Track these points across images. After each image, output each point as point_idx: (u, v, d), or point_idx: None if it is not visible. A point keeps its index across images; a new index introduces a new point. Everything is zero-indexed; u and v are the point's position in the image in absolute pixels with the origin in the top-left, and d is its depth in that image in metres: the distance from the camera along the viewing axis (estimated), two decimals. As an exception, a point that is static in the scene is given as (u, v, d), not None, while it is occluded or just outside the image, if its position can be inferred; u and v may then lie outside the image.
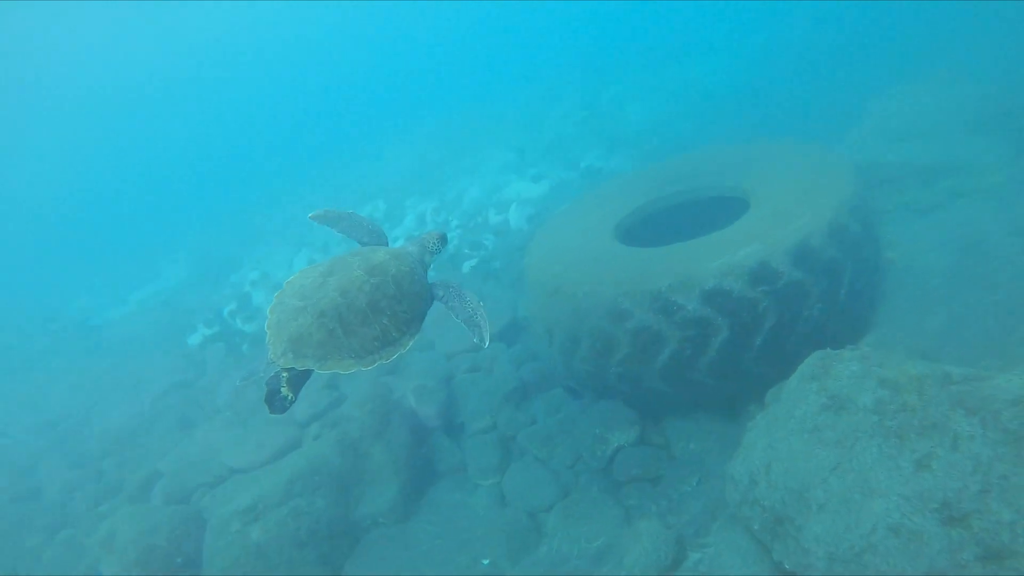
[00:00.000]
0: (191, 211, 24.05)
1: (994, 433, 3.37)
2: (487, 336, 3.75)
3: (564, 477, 5.84)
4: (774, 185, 5.95)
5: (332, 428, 6.77)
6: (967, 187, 7.55)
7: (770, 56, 19.40)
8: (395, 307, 3.62)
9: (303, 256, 13.47)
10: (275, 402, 3.42)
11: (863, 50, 14.65)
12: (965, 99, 8.04)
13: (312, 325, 3.40)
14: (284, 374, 3.41)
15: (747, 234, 5.22)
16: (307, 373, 3.50)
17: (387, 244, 4.24)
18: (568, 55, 25.82)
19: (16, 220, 30.53)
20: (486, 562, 5.36)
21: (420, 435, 6.84)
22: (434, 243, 4.24)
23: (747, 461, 4.18)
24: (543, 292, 5.93)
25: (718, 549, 4.35)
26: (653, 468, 5.50)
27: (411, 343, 3.69)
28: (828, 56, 16.19)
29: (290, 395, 3.43)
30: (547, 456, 6.10)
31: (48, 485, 8.54)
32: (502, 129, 19.04)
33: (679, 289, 4.93)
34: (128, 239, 23.27)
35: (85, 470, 8.55)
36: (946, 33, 12.61)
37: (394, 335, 3.60)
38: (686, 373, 5.23)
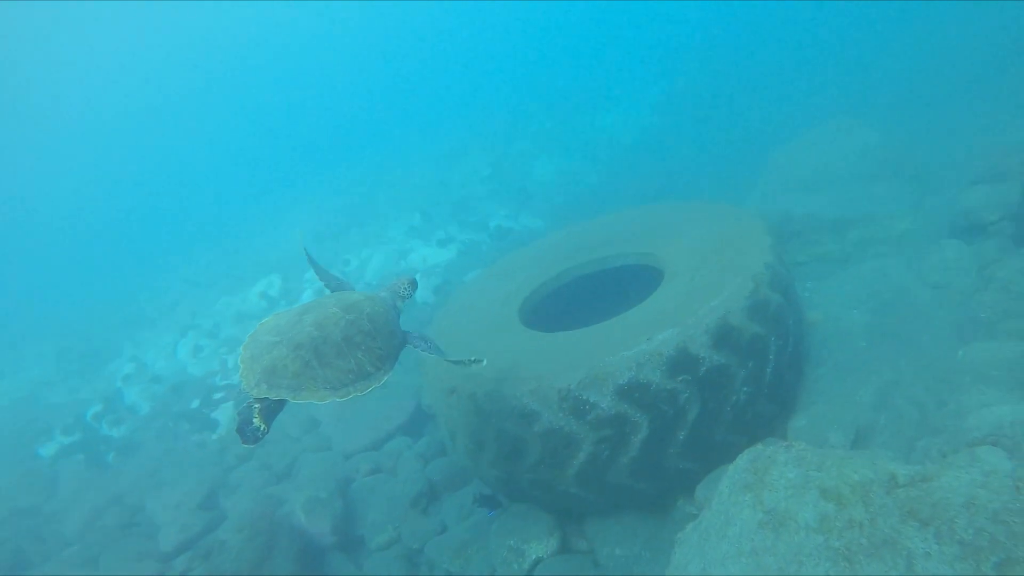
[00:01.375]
0: (64, 287, 22.05)
1: (950, 547, 2.99)
2: (476, 363, 4.09)
3: (480, 596, 5.17)
4: (687, 253, 5.63)
5: (204, 561, 5.87)
6: (877, 236, 7.54)
7: (674, 104, 19.96)
8: (370, 343, 3.72)
9: (188, 341, 12.35)
10: (247, 432, 3.36)
11: (763, 98, 15.16)
12: (865, 147, 8.12)
13: (287, 357, 3.45)
14: (257, 405, 3.38)
15: (662, 314, 4.81)
16: (281, 404, 3.49)
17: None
18: (473, 108, 25.88)
19: None
20: None
21: (312, 557, 6.02)
22: (405, 288, 4.42)
23: (681, 590, 3.65)
24: (441, 390, 5.33)
25: None
26: (578, 582, 4.91)
27: (385, 378, 3.76)
28: (730, 104, 16.72)
29: (263, 426, 3.38)
30: (460, 570, 5.42)
31: None
32: (407, 189, 18.58)
33: (590, 385, 4.44)
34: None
35: None
36: (841, 82, 13.19)
37: (368, 369, 3.66)
38: (605, 476, 4.71)
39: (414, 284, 4.51)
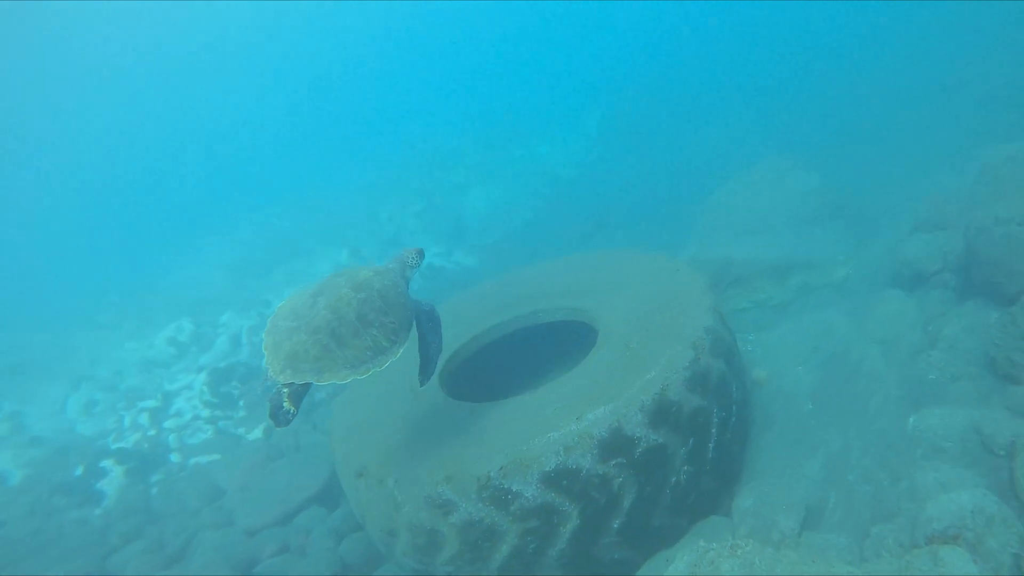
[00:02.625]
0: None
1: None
2: (424, 380, 4.33)
3: None
4: (623, 311, 5.25)
5: None
6: (818, 282, 7.39)
7: (612, 133, 19.94)
8: (383, 319, 3.86)
9: (81, 395, 11.16)
10: (279, 416, 3.60)
11: (703, 130, 15.19)
12: (804, 188, 7.99)
13: (307, 342, 3.61)
14: (285, 390, 3.59)
15: (593, 386, 4.39)
16: (307, 387, 3.68)
17: None
18: (406, 137, 25.41)
19: None
20: None
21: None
22: (412, 258, 4.55)
23: None
24: (349, 471, 4.78)
25: None
26: None
27: (401, 350, 3.91)
28: (669, 135, 16.74)
29: (292, 409, 3.62)
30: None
31: None
32: (336, 222, 17.90)
33: (513, 472, 3.96)
34: None
35: None
36: (779, 120, 13.29)
37: (384, 344, 3.82)
38: (531, 570, 4.21)
39: (421, 254, 4.65)
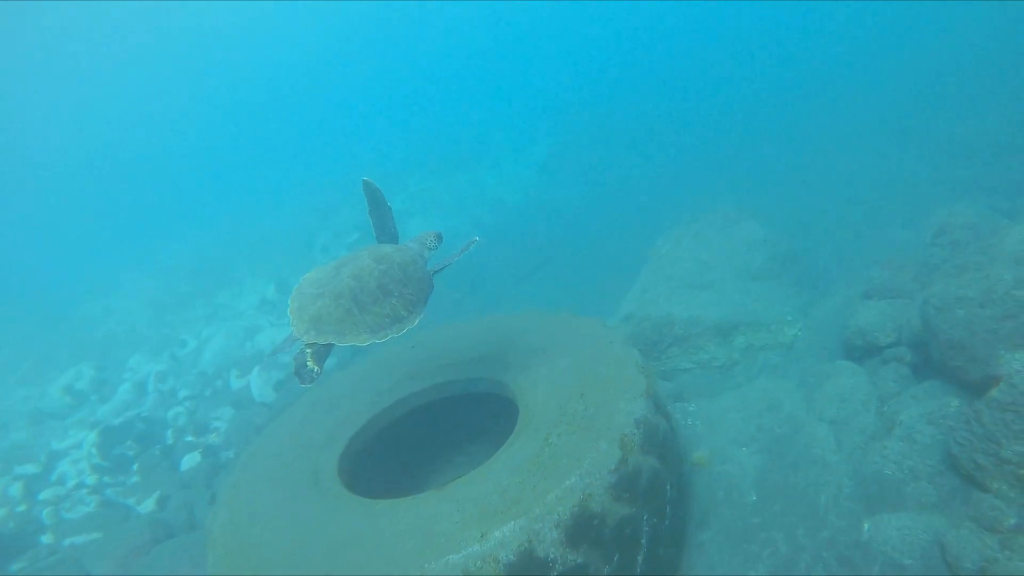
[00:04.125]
0: None
1: None
2: (472, 243, 4.53)
3: None
4: (546, 392, 4.67)
5: None
6: (765, 342, 6.97)
7: (560, 162, 19.61)
8: (402, 289, 4.10)
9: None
10: (303, 374, 3.80)
11: (651, 168, 14.93)
12: (752, 240, 7.60)
13: (330, 306, 3.89)
14: (308, 350, 3.82)
15: (504, 493, 3.76)
16: (329, 348, 3.92)
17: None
18: (348, 161, 24.68)
19: None
20: None
21: None
22: (431, 240, 4.77)
23: None
24: (222, 583, 4.03)
25: None
26: None
27: (418, 320, 4.14)
28: (616, 166, 16.45)
29: (316, 368, 3.82)
30: None
31: None
32: (269, 251, 16.98)
33: (403, 607, 3.30)
34: None
35: None
36: (727, 165, 13.07)
37: (403, 313, 4.06)
38: None
39: (440, 237, 4.86)
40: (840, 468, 4.79)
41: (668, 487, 4.25)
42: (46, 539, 7.17)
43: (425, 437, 5.99)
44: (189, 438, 8.57)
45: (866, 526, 4.11)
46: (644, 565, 3.93)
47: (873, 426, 4.99)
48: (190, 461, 8.01)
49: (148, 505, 7.28)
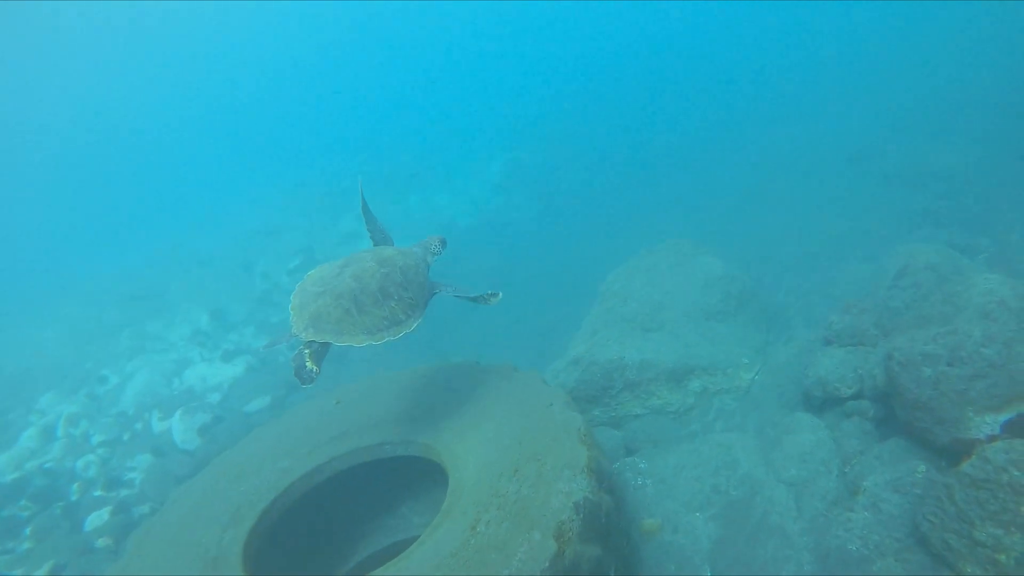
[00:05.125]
0: None
1: None
2: (493, 297, 4.75)
3: None
4: (478, 458, 4.25)
5: None
6: (721, 386, 6.66)
7: (515, 181, 19.28)
8: (402, 293, 4.23)
9: None
10: (303, 374, 3.92)
11: (606, 192, 14.66)
12: (708, 277, 7.27)
13: (330, 305, 3.99)
14: (307, 350, 3.95)
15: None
16: (326, 347, 4.03)
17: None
18: (296, 179, 23.94)
19: None
20: None
21: None
22: (435, 246, 4.98)
23: None
24: None
25: None
26: None
27: (416, 324, 4.27)
28: (572, 186, 16.16)
29: (315, 368, 3.94)
30: None
31: None
32: (207, 276, 16.20)
33: None
34: None
35: None
36: (683, 192, 12.85)
37: (401, 317, 4.17)
38: None
39: (444, 242, 5.01)
40: (801, 541, 4.43)
41: (612, 573, 3.83)
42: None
43: (351, 501, 5.49)
44: (98, 492, 7.84)
45: (831, 615, 3.74)
46: (585, 669, 3.50)
47: (835, 491, 4.66)
48: (96, 520, 7.29)
49: (41, 573, 6.55)
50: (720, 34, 27.49)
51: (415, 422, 5.00)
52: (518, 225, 15.31)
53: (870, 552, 4.04)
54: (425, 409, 5.09)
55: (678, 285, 7.26)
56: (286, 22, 46.77)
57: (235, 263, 16.22)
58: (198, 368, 11.07)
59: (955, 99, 11.82)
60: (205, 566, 4.12)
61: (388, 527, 5.73)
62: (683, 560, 4.61)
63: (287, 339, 4.15)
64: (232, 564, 4.09)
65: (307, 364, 3.95)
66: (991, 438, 4.01)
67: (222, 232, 19.79)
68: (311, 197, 21.32)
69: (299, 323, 3.99)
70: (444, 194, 20.36)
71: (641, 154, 16.22)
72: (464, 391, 5.15)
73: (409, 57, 43.60)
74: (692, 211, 11.64)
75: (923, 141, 10.52)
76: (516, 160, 20.90)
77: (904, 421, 4.50)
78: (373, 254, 4.44)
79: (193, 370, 11.06)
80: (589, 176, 16.65)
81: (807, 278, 8.03)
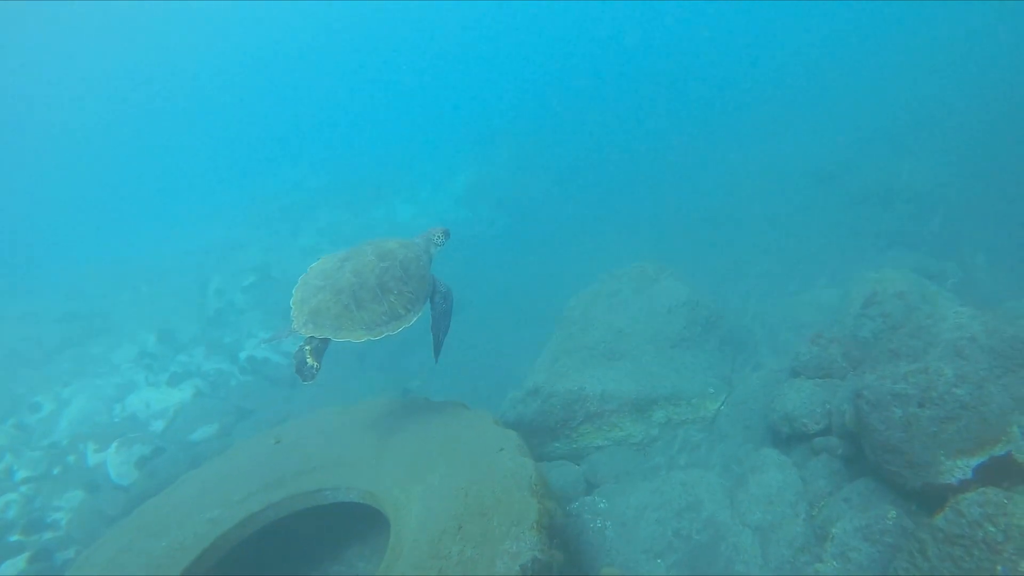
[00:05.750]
0: None
1: None
2: (437, 357, 4.72)
3: None
4: (421, 509, 3.96)
5: None
6: (685, 416, 6.45)
7: (480, 194, 19.05)
8: (402, 287, 4.29)
9: None
10: (304, 371, 4.12)
11: (571, 210, 14.47)
12: (672, 302, 7.07)
13: (329, 301, 4.10)
14: (307, 347, 4.11)
15: None
16: (326, 343, 4.16)
17: None
18: (250, 190, 23.41)
19: None
20: None
21: None
22: (438, 237, 4.98)
23: None
24: None
25: None
26: None
27: (415, 319, 4.35)
28: (538, 208, 15.94)
29: (315, 364, 4.12)
30: None
31: None
32: (159, 293, 15.63)
33: None
34: None
35: None
36: (649, 209, 12.73)
37: (400, 311, 4.24)
38: None
39: (447, 233, 5.03)
40: (766, 590, 4.20)
41: (565, 640, 3.56)
42: None
43: (291, 550, 5.15)
44: (15, 537, 7.31)
45: None
46: None
47: (803, 536, 4.44)
48: (11, 568, 6.78)
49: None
50: (690, 48, 27.67)
51: (357, 466, 4.70)
52: (483, 240, 15.05)
53: (840, 608, 3.84)
54: (369, 451, 4.79)
55: (641, 311, 7.05)
56: (247, 27, 46.18)
57: (188, 279, 15.67)
58: (142, 393, 10.57)
59: (925, 117, 11.87)
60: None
61: None
62: (647, 615, 4.37)
63: (288, 333, 4.23)
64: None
65: (308, 360, 4.08)
66: (964, 484, 3.84)
67: (176, 245, 19.17)
68: (272, 209, 20.85)
69: (299, 318, 4.08)
70: (409, 206, 20.07)
71: (608, 169, 16.10)
72: (411, 431, 4.86)
73: (374, 66, 43.30)
74: (658, 228, 11.51)
75: (891, 160, 10.52)
76: (483, 173, 20.69)
77: (874, 463, 4.31)
78: (374, 247, 4.49)
79: (137, 395, 10.55)
80: (556, 190, 16.50)
81: (774, 302, 7.88)
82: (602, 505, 5.42)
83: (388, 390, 9.80)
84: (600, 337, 6.92)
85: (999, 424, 3.83)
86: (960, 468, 3.86)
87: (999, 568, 3.17)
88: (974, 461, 3.83)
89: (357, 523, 5.16)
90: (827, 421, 5.02)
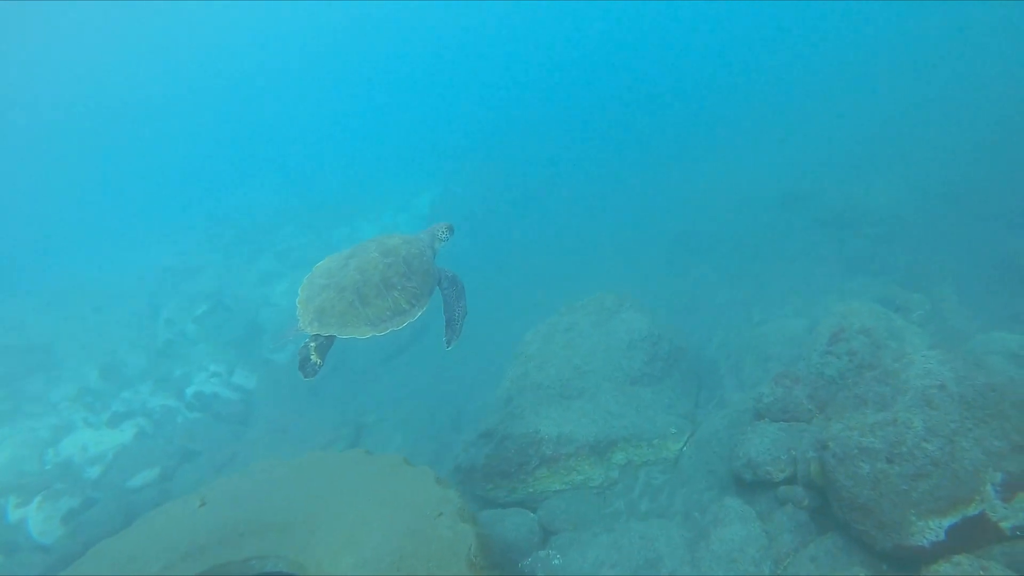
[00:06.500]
0: None
1: None
2: (453, 341, 4.61)
3: None
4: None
5: None
6: (646, 457, 6.24)
7: (444, 214, 18.71)
8: (405, 283, 4.34)
9: None
10: (307, 368, 4.13)
11: (538, 233, 14.24)
12: (632, 336, 6.81)
13: (334, 298, 4.14)
14: (312, 344, 4.14)
15: None
16: (331, 339, 4.20)
17: None
18: (208, 209, 22.81)
19: None
20: None
21: None
22: (443, 232, 5.08)
23: None
24: None
25: None
26: None
27: (420, 313, 4.37)
28: (503, 230, 15.68)
29: (319, 361, 4.14)
30: None
31: None
32: (106, 321, 15.03)
33: None
34: None
35: None
36: (613, 232, 12.51)
37: (404, 307, 4.28)
38: None
39: (451, 229, 5.12)
40: (730, 665, 3.92)
41: None
42: None
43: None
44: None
45: None
46: None
47: (769, 600, 4.18)
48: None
49: None
50: (656, 68, 27.72)
51: (288, 531, 4.35)
52: (445, 264, 14.71)
53: None
54: (301, 514, 4.44)
55: (600, 346, 6.78)
56: (206, 44, 45.50)
57: (138, 307, 15.08)
58: (80, 435, 10.03)
59: (894, 137, 11.85)
60: None
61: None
62: None
63: (294, 333, 4.28)
64: None
65: (311, 357, 4.10)
66: (936, 546, 3.60)
67: (128, 270, 18.52)
68: (230, 231, 20.32)
69: (305, 317, 4.12)
70: (372, 227, 19.67)
71: (572, 191, 15.90)
72: (348, 491, 4.52)
73: (338, 84, 42.91)
74: (622, 253, 11.29)
75: (859, 181, 10.43)
76: (447, 192, 20.38)
77: (842, 520, 4.06)
78: (377, 244, 4.55)
79: (73, 438, 10.00)
80: (518, 211, 16.25)
81: (739, 332, 7.68)
82: (556, 561, 5.12)
83: (341, 427, 9.43)
84: (557, 374, 6.64)
85: (971, 482, 3.61)
86: (932, 529, 3.63)
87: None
88: (947, 522, 3.60)
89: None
90: (792, 469, 4.78)
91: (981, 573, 3.09)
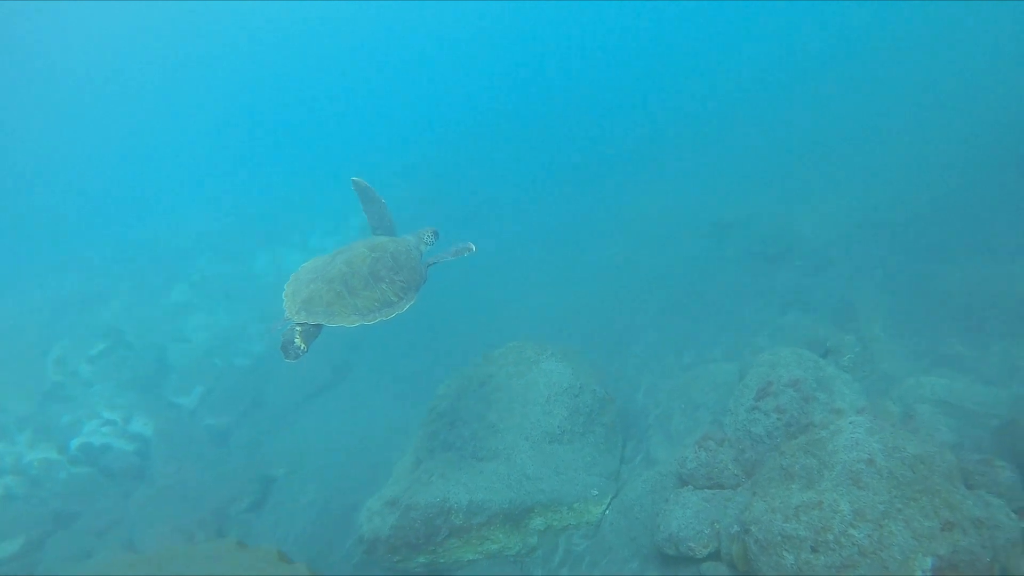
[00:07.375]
0: None
1: None
2: (473, 246, 5.02)
3: None
4: None
5: None
6: (567, 522, 5.93)
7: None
8: (393, 276, 4.53)
9: None
10: (289, 350, 4.13)
11: (467, 271, 13.80)
12: (552, 389, 6.43)
13: (322, 289, 4.30)
14: (298, 328, 4.19)
15: None
16: (319, 328, 4.28)
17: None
18: (115, 235, 21.66)
19: None
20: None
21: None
22: (428, 236, 5.27)
23: None
24: None
25: None
26: None
27: (407, 306, 4.53)
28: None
29: (303, 345, 4.15)
30: None
31: None
32: (-4, 361, 13.90)
33: None
34: None
35: None
36: (538, 267, 12.19)
37: (392, 299, 4.46)
38: None
39: (436, 234, 5.33)
40: None
41: None
42: None
43: None
44: None
45: None
46: None
47: None
48: None
49: None
50: (594, 89, 27.72)
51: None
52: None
53: None
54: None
55: (518, 400, 6.36)
56: (131, 51, 43.82)
57: (24, 345, 14.00)
58: (-58, 496, 9.11)
59: (825, 162, 11.84)
60: None
61: None
62: None
63: (282, 323, 4.28)
64: None
65: (295, 340, 4.11)
66: (867, 646, 3.29)
67: (20, 301, 17.29)
68: (143, 257, 19.29)
69: (292, 307, 4.23)
70: (298, 253, 18.89)
71: (498, 224, 15.52)
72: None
73: (263, 100, 41.82)
74: (550, 288, 10.96)
75: (791, 209, 10.34)
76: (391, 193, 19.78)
77: (767, 609, 3.73)
78: (365, 242, 4.75)
79: (-65, 499, 9.08)
80: (440, 244, 15.77)
81: (669, 375, 7.39)
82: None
83: (247, 483, 8.80)
84: (470, 434, 6.21)
85: (901, 570, 3.32)
86: (862, 628, 3.31)
87: None
88: (877, 618, 3.29)
89: None
90: (716, 543, 4.45)
91: None
